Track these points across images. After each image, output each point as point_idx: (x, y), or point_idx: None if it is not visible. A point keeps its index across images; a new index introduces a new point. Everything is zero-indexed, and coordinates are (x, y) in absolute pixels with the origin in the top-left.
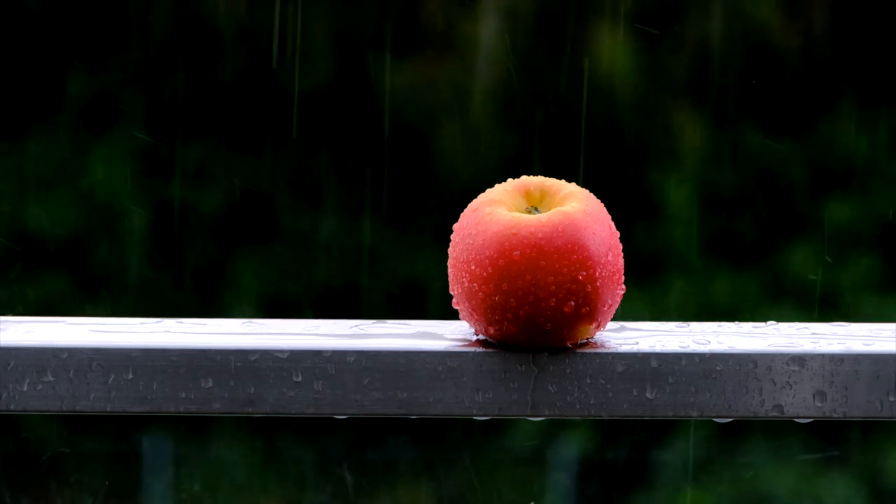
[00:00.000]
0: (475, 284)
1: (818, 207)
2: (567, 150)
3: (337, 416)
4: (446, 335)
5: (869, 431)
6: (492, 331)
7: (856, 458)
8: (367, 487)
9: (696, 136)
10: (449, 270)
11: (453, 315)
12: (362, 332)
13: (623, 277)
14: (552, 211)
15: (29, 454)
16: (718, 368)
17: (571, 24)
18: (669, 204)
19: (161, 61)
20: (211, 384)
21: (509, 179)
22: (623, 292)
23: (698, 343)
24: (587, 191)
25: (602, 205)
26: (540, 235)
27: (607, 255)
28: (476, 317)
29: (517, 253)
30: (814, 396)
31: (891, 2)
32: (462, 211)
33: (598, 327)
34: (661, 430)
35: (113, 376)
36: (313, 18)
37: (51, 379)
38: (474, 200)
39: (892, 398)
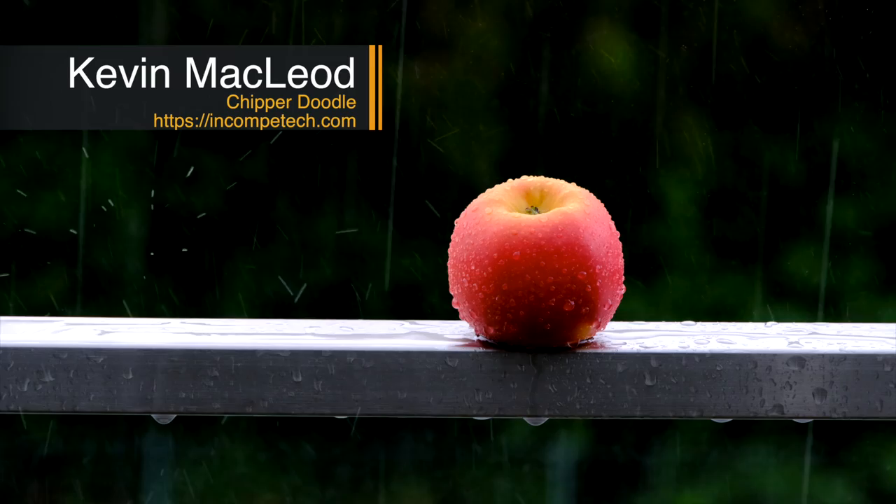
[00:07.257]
0: (475, 284)
1: (818, 207)
2: (567, 150)
3: (337, 417)
4: (446, 335)
5: (868, 432)
6: (492, 331)
7: (855, 459)
8: (367, 487)
9: (697, 136)
10: (449, 270)
11: (453, 315)
12: (362, 332)
13: (623, 277)
14: (552, 211)
15: (29, 454)
16: (718, 368)
17: (572, 23)
18: (670, 204)
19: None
20: (211, 384)
21: (509, 179)
22: (623, 292)
23: (698, 343)
24: (587, 191)
25: (602, 205)
26: (540, 235)
27: (607, 255)
28: (476, 317)
29: (517, 253)
30: (814, 396)
31: (891, 1)
32: (462, 211)
33: (598, 327)
34: (660, 430)
35: (113, 376)
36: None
37: (51, 379)
38: (474, 200)
39: (892, 398)
